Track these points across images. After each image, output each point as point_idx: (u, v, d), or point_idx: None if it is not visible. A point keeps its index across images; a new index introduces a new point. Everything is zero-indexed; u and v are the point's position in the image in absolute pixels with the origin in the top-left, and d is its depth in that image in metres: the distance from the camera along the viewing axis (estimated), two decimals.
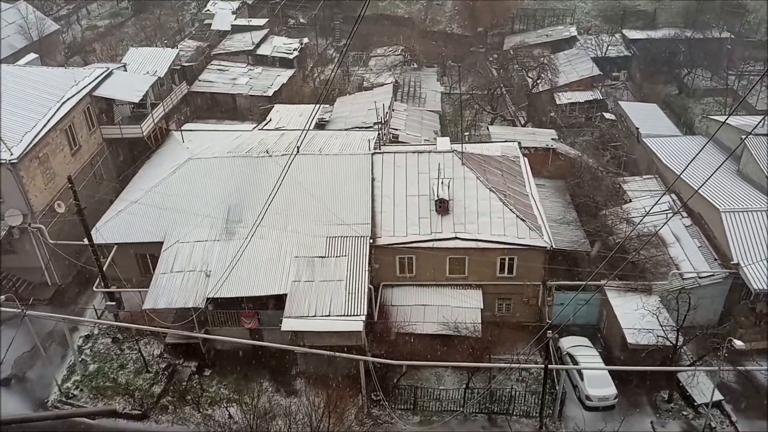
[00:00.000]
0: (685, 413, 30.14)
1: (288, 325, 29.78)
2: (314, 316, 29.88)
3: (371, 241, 32.95)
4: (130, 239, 34.43)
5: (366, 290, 30.79)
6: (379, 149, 37.91)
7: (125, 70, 45.12)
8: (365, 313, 29.72)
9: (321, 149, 38.40)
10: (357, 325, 29.25)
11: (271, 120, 46.55)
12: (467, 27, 69.62)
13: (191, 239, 33.68)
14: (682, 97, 57.77)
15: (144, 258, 35.11)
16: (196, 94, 54.68)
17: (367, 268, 31.73)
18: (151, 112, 43.24)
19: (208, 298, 30.90)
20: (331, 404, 26.30)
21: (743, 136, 36.90)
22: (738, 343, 27.20)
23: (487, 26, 68.29)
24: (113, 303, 33.73)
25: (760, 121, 38.05)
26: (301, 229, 33.62)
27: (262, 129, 44.26)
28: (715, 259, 33.84)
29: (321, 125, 46.61)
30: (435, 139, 42.11)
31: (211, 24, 66.45)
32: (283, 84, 55.32)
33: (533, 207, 35.14)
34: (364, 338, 29.69)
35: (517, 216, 33.36)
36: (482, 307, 32.71)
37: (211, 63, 58.47)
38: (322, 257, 32.47)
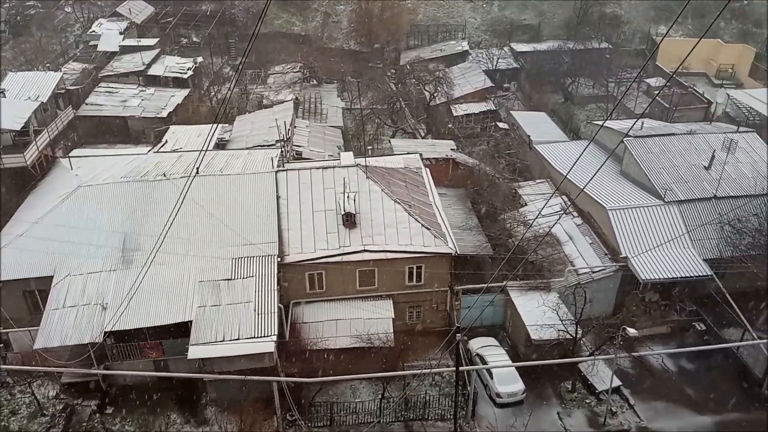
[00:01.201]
0: (588, 401, 31.77)
1: (195, 352, 28.75)
2: (222, 340, 29.03)
3: (279, 259, 32.55)
4: (16, 276, 32.11)
5: (276, 310, 30.31)
6: (283, 166, 37.67)
7: (4, 96, 42.31)
8: (276, 333, 29.22)
9: (222, 169, 37.61)
10: (268, 346, 28.69)
11: (167, 142, 45.10)
12: (364, 43, 70.73)
13: (84, 271, 31.90)
14: (568, 105, 61.40)
15: (33, 295, 32.87)
16: (84, 119, 52.00)
17: (276, 287, 31.26)
18: (35, 139, 40.72)
19: (106, 332, 29.31)
20: (245, 430, 25.60)
21: (622, 138, 39.70)
22: (631, 331, 29.10)
23: (383, 42, 69.66)
24: (0, 345, 31.27)
25: (635, 123, 41.08)
26: (204, 252, 32.67)
27: (157, 152, 42.74)
28: (606, 254, 36.07)
29: (221, 145, 45.67)
30: (338, 154, 42.33)
31: (97, 45, 63.61)
32: (178, 104, 53.79)
33: (437, 215, 36.06)
34: (276, 359, 29.18)
35: (422, 225, 34.08)
36: (393, 316, 33.08)
37: (99, 85, 55.91)
38: (228, 280, 31.68)
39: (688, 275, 34.13)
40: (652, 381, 33.00)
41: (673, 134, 42.11)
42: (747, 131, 42.80)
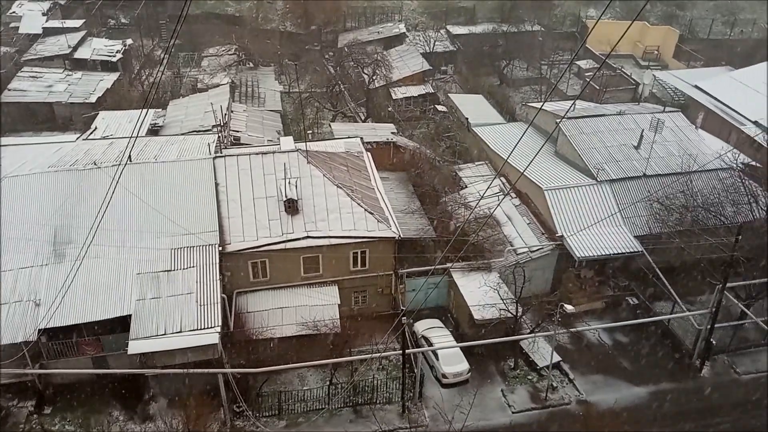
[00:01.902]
0: (530, 377, 32.85)
1: (135, 347, 27.94)
2: (164, 334, 28.33)
3: (220, 248, 31.90)
4: None
5: (219, 300, 29.77)
6: (221, 152, 36.80)
7: None
8: (220, 324, 28.74)
9: (156, 156, 36.41)
10: (212, 337, 28.19)
11: (96, 128, 43.19)
12: (301, 25, 69.54)
13: (14, 266, 30.35)
14: (504, 87, 62.45)
15: None
16: (6, 106, 49.15)
17: (218, 277, 30.67)
18: None
19: (40, 330, 28.07)
20: (191, 424, 25.22)
21: (557, 120, 40.79)
22: (568, 308, 30.18)
23: (320, 24, 68.70)
24: None
25: (571, 106, 42.26)
26: (142, 243, 31.64)
27: (86, 139, 40.89)
28: (543, 234, 37.13)
29: (154, 131, 44.09)
30: (278, 139, 41.70)
31: (18, 27, 59.99)
32: (108, 89, 51.59)
33: (380, 200, 36.14)
34: (221, 350, 28.73)
35: (365, 210, 34.10)
36: (339, 302, 33.09)
37: (22, 70, 52.90)
38: (168, 271, 30.82)
39: (620, 252, 35.57)
40: (590, 355, 34.42)
41: (603, 115, 43.48)
42: (673, 111, 44.70)
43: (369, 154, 40.34)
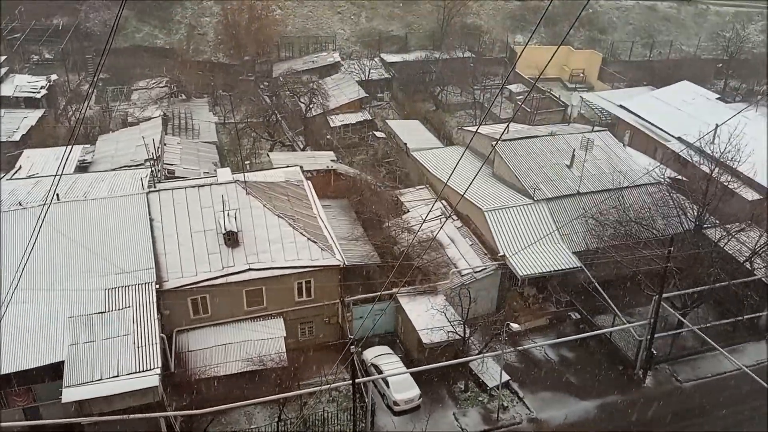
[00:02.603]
0: (480, 399, 32.80)
1: (69, 395, 26.31)
2: (101, 379, 26.82)
3: (158, 286, 30.66)
4: None
5: (158, 341, 28.48)
6: (155, 187, 35.67)
7: None
8: (160, 365, 27.44)
9: (86, 193, 34.98)
10: (152, 380, 26.86)
11: (21, 167, 41.22)
12: (234, 56, 68.97)
13: None
14: (439, 112, 63.60)
15: None
16: None
17: (156, 317, 29.40)
18: None
19: None
20: None
21: (493, 143, 41.69)
22: (514, 326, 30.48)
23: (253, 54, 68.32)
24: None
25: (505, 129, 43.32)
26: (73, 285, 30.06)
27: (11, 179, 38.90)
28: (486, 254, 37.57)
29: (83, 167, 42.47)
30: (215, 170, 40.79)
31: None
32: (32, 126, 49.41)
33: (322, 228, 35.77)
34: (162, 393, 27.42)
35: (308, 239, 33.63)
36: (285, 334, 32.30)
37: None
38: (102, 313, 29.33)
39: (560, 268, 36.37)
40: (538, 372, 34.76)
41: (536, 136, 44.80)
42: (601, 130, 46.55)
43: (309, 182, 40.02)
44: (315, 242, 33.58)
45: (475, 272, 36.55)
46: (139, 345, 28.17)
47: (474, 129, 46.29)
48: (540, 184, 40.25)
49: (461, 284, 34.82)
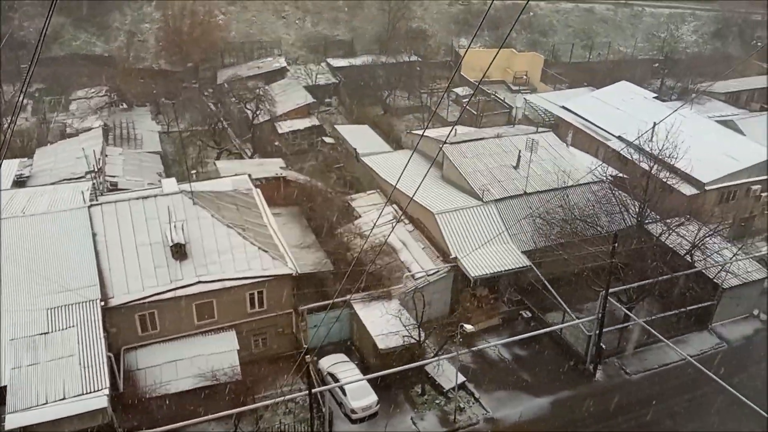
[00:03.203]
0: (437, 401, 33.01)
1: (13, 421, 25.13)
2: (46, 403, 25.75)
3: (103, 303, 29.66)
4: None
5: (105, 360, 27.52)
6: (97, 200, 34.53)
7: None
8: (108, 386, 26.52)
9: (25, 209, 33.62)
10: (100, 401, 25.90)
11: None
12: (176, 62, 67.47)
13: None
14: (388, 117, 63.81)
15: None
16: None
17: (102, 335, 28.42)
18: None
19: None
20: None
21: (441, 146, 42.07)
22: (468, 327, 30.66)
23: (196, 61, 67.08)
24: None
25: (451, 131, 43.60)
26: (13, 306, 28.78)
27: None
28: (438, 257, 37.88)
29: (20, 182, 40.73)
30: (160, 181, 39.80)
31: None
32: None
33: (273, 236, 35.32)
34: (111, 414, 26.50)
35: (259, 248, 33.14)
36: (238, 347, 31.72)
37: None
38: (45, 334, 28.17)
39: (510, 268, 37.01)
40: (493, 372, 35.21)
41: (483, 138, 45.45)
42: (545, 131, 47.56)
43: (258, 190, 39.48)
44: (266, 251, 33.13)
45: (428, 275, 36.79)
46: (86, 365, 27.18)
47: (422, 132, 46.61)
48: (488, 186, 40.82)
49: (415, 288, 34.96)
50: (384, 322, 33.16)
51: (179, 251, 31.89)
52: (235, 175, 41.19)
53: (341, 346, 35.47)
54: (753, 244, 44.64)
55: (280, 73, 65.53)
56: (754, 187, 45.23)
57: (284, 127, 56.14)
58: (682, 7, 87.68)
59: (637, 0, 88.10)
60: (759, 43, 78.88)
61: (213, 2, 72.87)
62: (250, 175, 40.90)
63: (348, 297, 33.37)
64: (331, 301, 31.76)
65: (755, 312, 39.98)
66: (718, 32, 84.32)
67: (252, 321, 33.13)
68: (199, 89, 63.12)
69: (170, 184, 36.37)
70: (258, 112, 54.38)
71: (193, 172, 45.76)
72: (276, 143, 54.32)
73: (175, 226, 32.34)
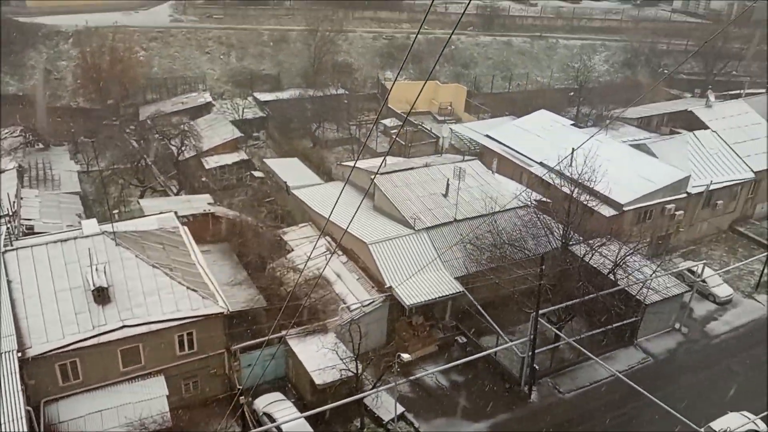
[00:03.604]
0: None
1: None
2: None
3: (20, 354, 27.85)
4: None
5: (23, 414, 25.74)
6: (12, 245, 32.66)
7: None
8: None
9: None
10: None
11: None
12: (95, 100, 65.39)
13: None
14: (317, 149, 63.86)
15: None
16: None
17: (20, 388, 26.60)
18: None
19: None
20: None
21: (372, 177, 42.41)
22: (405, 356, 30.71)
23: (117, 98, 65.29)
24: None
25: (382, 162, 44.17)
26: None
27: None
28: (373, 287, 37.84)
29: None
30: (80, 223, 38.10)
31: None
32: None
33: (202, 275, 34.36)
34: None
35: (187, 288, 32.13)
36: (167, 393, 30.42)
37: None
38: None
39: (444, 294, 37.39)
40: (431, 400, 35.20)
41: (412, 168, 46.19)
42: (471, 159, 48.87)
43: (186, 228, 38.47)
44: (195, 291, 32.15)
45: (364, 306, 36.64)
46: (2, 422, 25.31)
47: (352, 164, 46.88)
48: (419, 214, 41.36)
49: (351, 320, 34.71)
50: (320, 357, 32.67)
51: (102, 295, 30.51)
52: (161, 213, 40.01)
53: (277, 385, 34.66)
54: (671, 261, 47.00)
55: (206, 108, 64.62)
56: (669, 207, 47.84)
57: (211, 162, 55.20)
58: (593, 39, 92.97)
59: (551, 33, 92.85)
60: (666, 71, 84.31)
61: (133, 38, 71.50)
62: (176, 213, 39.85)
63: (283, 333, 32.78)
64: (265, 339, 31.08)
65: (677, 326, 41.96)
66: (628, 61, 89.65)
67: (182, 364, 31.91)
68: (120, 126, 61.30)
69: (91, 225, 34.90)
70: (183, 148, 53.29)
71: (116, 211, 44.16)
72: (203, 179, 53.27)
73: (96, 269, 30.98)
